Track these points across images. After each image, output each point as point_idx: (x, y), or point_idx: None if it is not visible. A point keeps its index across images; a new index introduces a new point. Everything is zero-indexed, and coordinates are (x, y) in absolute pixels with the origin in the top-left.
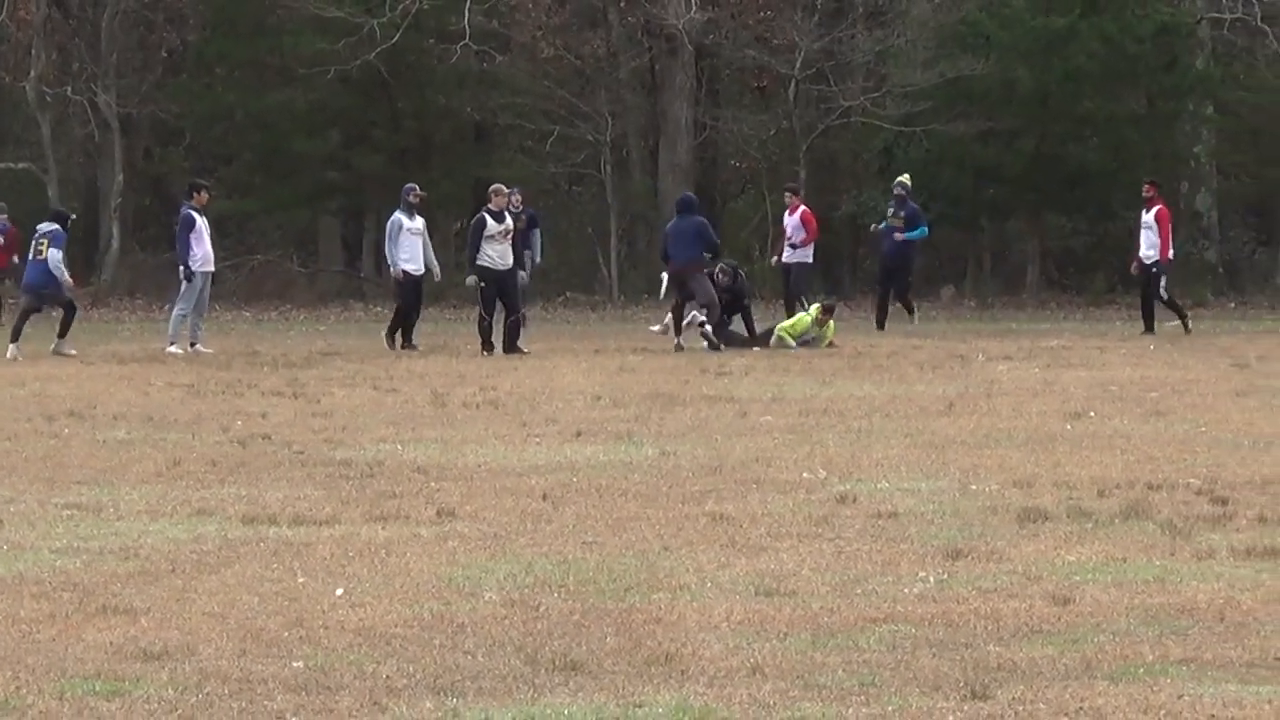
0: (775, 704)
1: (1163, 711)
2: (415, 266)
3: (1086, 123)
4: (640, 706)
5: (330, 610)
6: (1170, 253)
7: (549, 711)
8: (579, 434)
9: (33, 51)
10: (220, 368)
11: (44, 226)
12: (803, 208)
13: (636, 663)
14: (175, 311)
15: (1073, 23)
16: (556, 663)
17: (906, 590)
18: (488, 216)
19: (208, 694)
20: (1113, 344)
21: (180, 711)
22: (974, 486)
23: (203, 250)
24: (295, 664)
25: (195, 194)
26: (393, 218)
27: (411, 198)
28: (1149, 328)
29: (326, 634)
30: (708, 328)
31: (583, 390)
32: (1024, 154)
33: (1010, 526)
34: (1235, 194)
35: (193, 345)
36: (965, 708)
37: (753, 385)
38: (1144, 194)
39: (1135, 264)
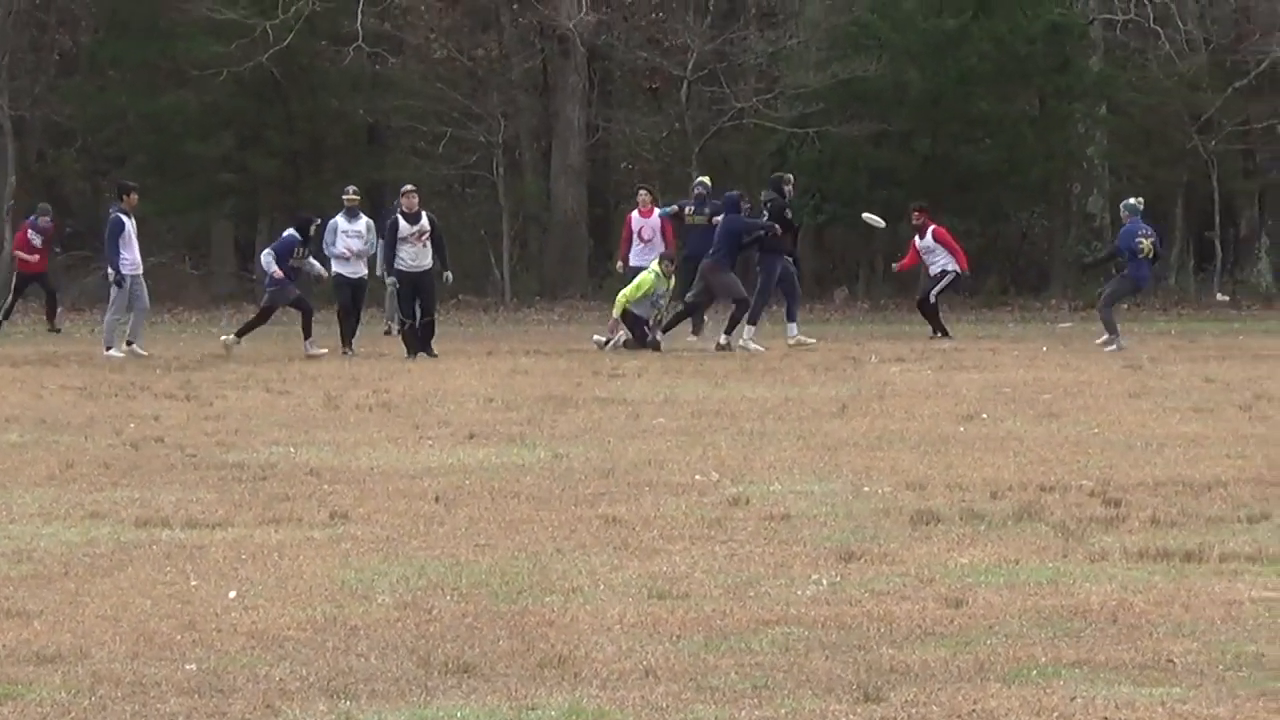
0: (668, 706)
1: (1055, 714)
2: (352, 269)
3: (979, 124)
4: (533, 709)
5: (223, 613)
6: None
7: (442, 714)
8: (472, 436)
9: None
10: (113, 370)
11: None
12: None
13: (529, 665)
14: (108, 318)
15: (964, 24)
16: (449, 665)
17: (799, 592)
18: (401, 219)
19: (101, 697)
20: (1005, 345)
21: (73, 715)
22: (867, 489)
23: (132, 254)
24: (188, 667)
25: (125, 196)
26: (331, 221)
27: (345, 200)
28: (942, 332)
29: (219, 637)
30: (722, 339)
31: (475, 392)
32: (917, 155)
33: (903, 529)
34: (1128, 195)
35: (130, 344)
36: (858, 710)
37: (645, 387)
38: (914, 221)
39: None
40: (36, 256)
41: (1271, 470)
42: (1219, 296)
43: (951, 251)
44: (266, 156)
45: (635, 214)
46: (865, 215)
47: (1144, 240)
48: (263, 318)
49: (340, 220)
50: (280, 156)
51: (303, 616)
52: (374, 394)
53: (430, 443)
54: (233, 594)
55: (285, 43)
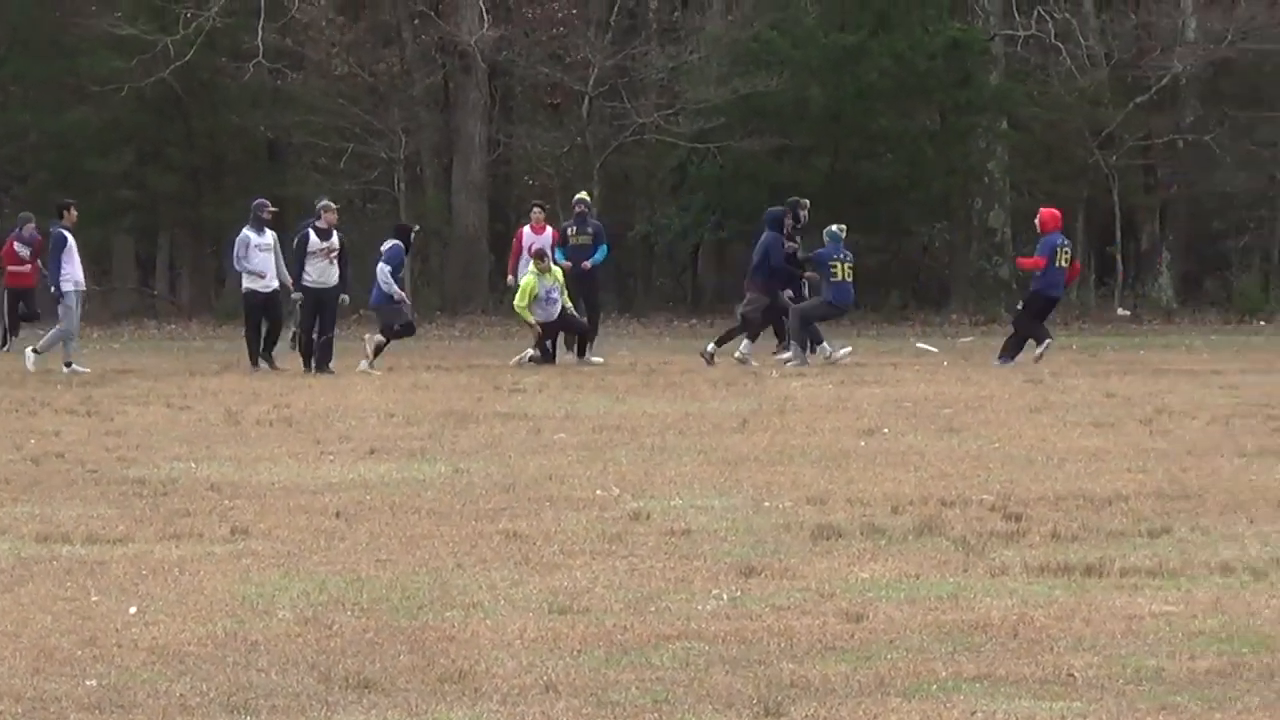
0: None
1: None
2: (265, 284)
3: (880, 139)
4: None
5: (124, 628)
6: None
7: None
8: (372, 451)
9: None
10: (13, 385)
11: (386, 244)
12: None
13: (430, 680)
14: (56, 330)
15: (863, 40)
16: (350, 681)
17: (700, 607)
18: (312, 234)
19: (0, 713)
20: (906, 360)
21: None
22: (767, 503)
23: (74, 269)
24: (89, 682)
25: (65, 213)
26: (241, 235)
27: (264, 214)
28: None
29: (120, 652)
30: (739, 352)
31: (376, 407)
32: (819, 171)
33: (804, 543)
34: (1029, 210)
35: (37, 352)
36: None
37: (546, 402)
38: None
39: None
40: (28, 267)
41: (1172, 485)
42: (1120, 311)
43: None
44: (167, 172)
45: (528, 229)
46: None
47: (837, 264)
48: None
49: (251, 234)
50: (181, 172)
51: (203, 632)
52: (275, 409)
53: (331, 458)
54: (133, 609)
55: (186, 58)
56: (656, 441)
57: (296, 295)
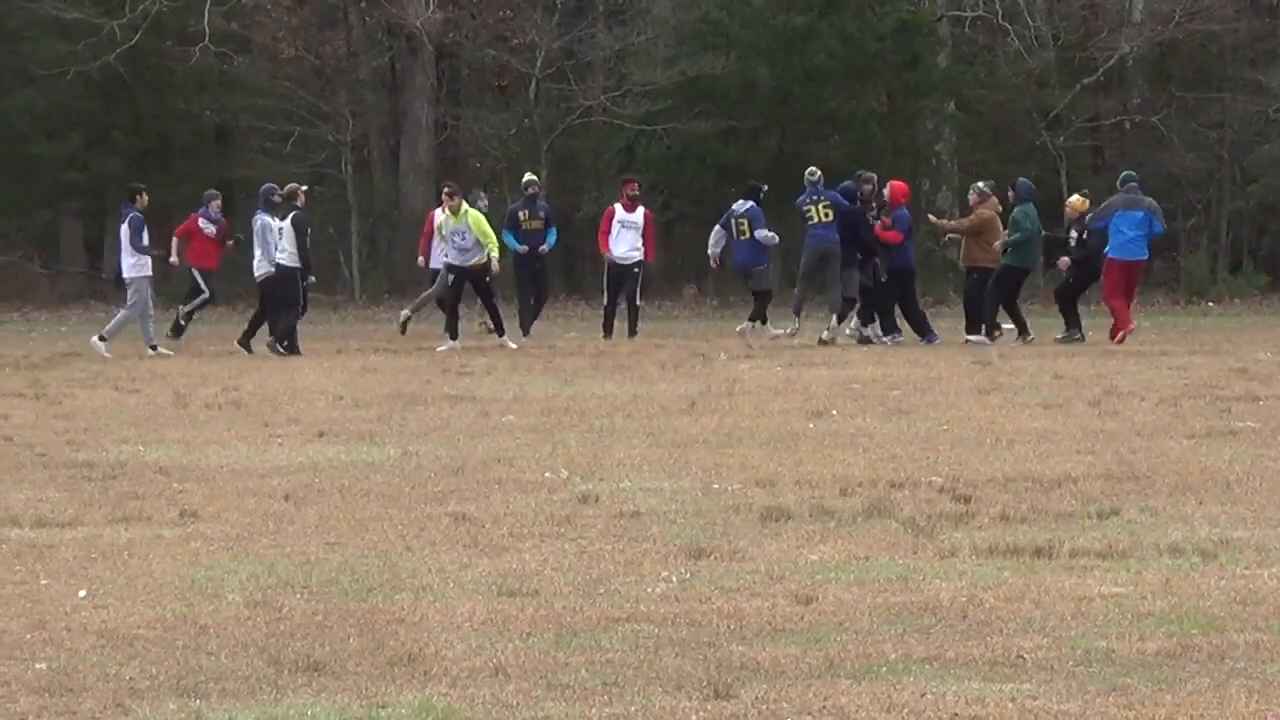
0: (518, 704)
1: (906, 710)
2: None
3: (828, 121)
4: (384, 707)
5: (73, 612)
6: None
7: (292, 712)
8: (321, 434)
9: None
10: None
11: (740, 206)
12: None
13: (379, 663)
14: (124, 313)
15: (811, 21)
16: (300, 663)
17: (649, 590)
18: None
19: None
20: (854, 342)
21: None
22: (716, 486)
23: (144, 255)
24: (38, 666)
25: (138, 196)
26: (261, 220)
27: (275, 197)
28: (631, 331)
29: (69, 636)
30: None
31: (325, 390)
32: (767, 153)
33: (753, 525)
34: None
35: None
36: (708, 707)
37: (494, 385)
38: (629, 192)
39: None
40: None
41: (1121, 466)
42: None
43: (647, 238)
44: (114, 156)
45: (439, 210)
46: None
47: (811, 207)
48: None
49: (269, 219)
50: (127, 156)
51: (153, 615)
52: (223, 392)
53: (280, 441)
54: (82, 593)
55: (132, 42)
56: (605, 424)
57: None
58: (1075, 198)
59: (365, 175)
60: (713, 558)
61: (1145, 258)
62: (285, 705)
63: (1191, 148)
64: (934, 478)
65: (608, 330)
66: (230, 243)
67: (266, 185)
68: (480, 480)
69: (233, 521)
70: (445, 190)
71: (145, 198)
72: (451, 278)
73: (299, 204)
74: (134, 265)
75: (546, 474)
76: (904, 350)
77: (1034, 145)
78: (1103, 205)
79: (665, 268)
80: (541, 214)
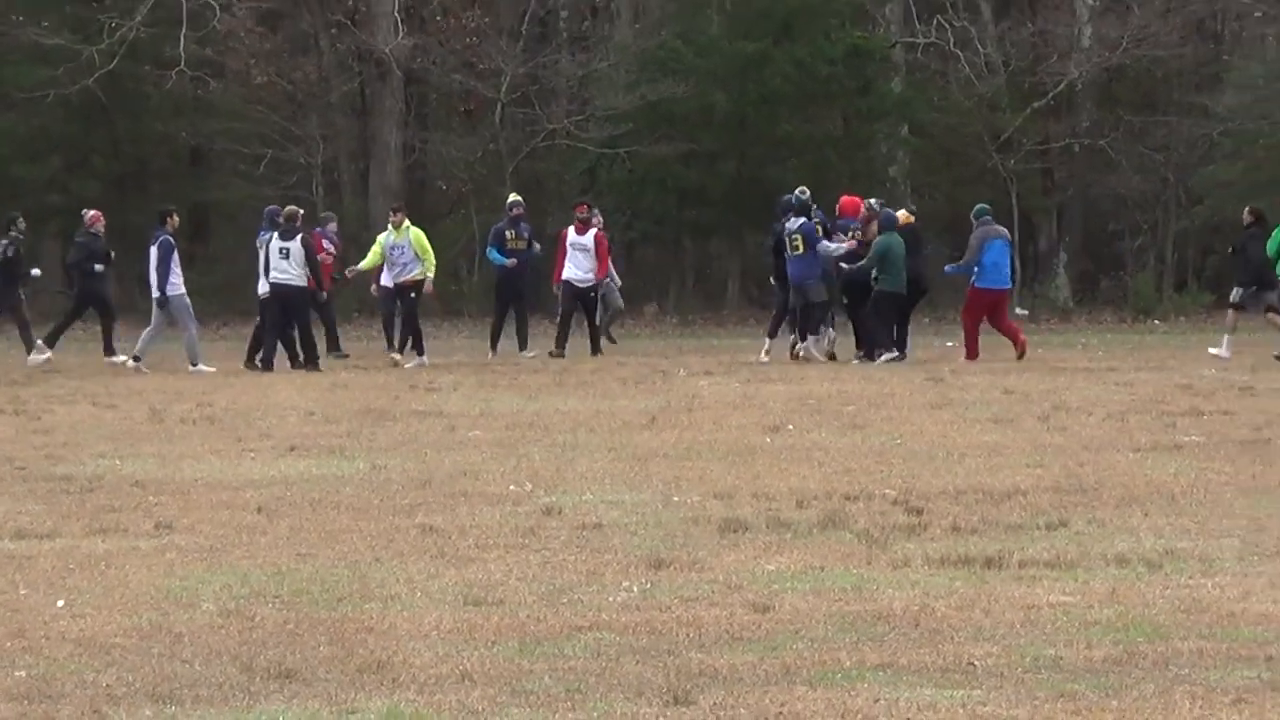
0: (484, 710)
1: (860, 715)
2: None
3: (784, 145)
4: (353, 713)
5: (51, 621)
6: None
7: (264, 718)
8: (293, 449)
9: None
10: None
11: (792, 224)
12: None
13: (349, 670)
14: (186, 336)
15: (765, 48)
16: (272, 671)
17: (611, 599)
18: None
19: None
20: (810, 360)
21: None
22: (676, 498)
23: (178, 274)
24: (18, 673)
25: (168, 219)
26: (267, 240)
27: (279, 219)
28: (593, 350)
29: (48, 644)
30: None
31: (296, 406)
32: (725, 175)
33: (711, 537)
34: (930, 213)
35: (194, 365)
36: (668, 713)
37: (461, 400)
38: (579, 215)
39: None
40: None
41: (1069, 479)
42: (1018, 310)
43: (601, 259)
44: (92, 178)
45: (385, 234)
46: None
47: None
48: None
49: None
50: (106, 178)
51: (129, 624)
52: (198, 407)
53: (252, 455)
54: (61, 602)
55: (110, 67)
56: (568, 438)
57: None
58: (903, 211)
59: (336, 197)
60: (672, 568)
61: (1010, 286)
62: (258, 711)
63: (1138, 170)
64: (887, 490)
65: (559, 347)
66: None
67: (271, 207)
68: (447, 493)
69: (206, 533)
70: (392, 208)
71: (176, 220)
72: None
73: (297, 225)
74: (172, 285)
75: (511, 487)
76: (859, 367)
77: (985, 168)
78: (972, 243)
79: (627, 287)
80: (525, 234)
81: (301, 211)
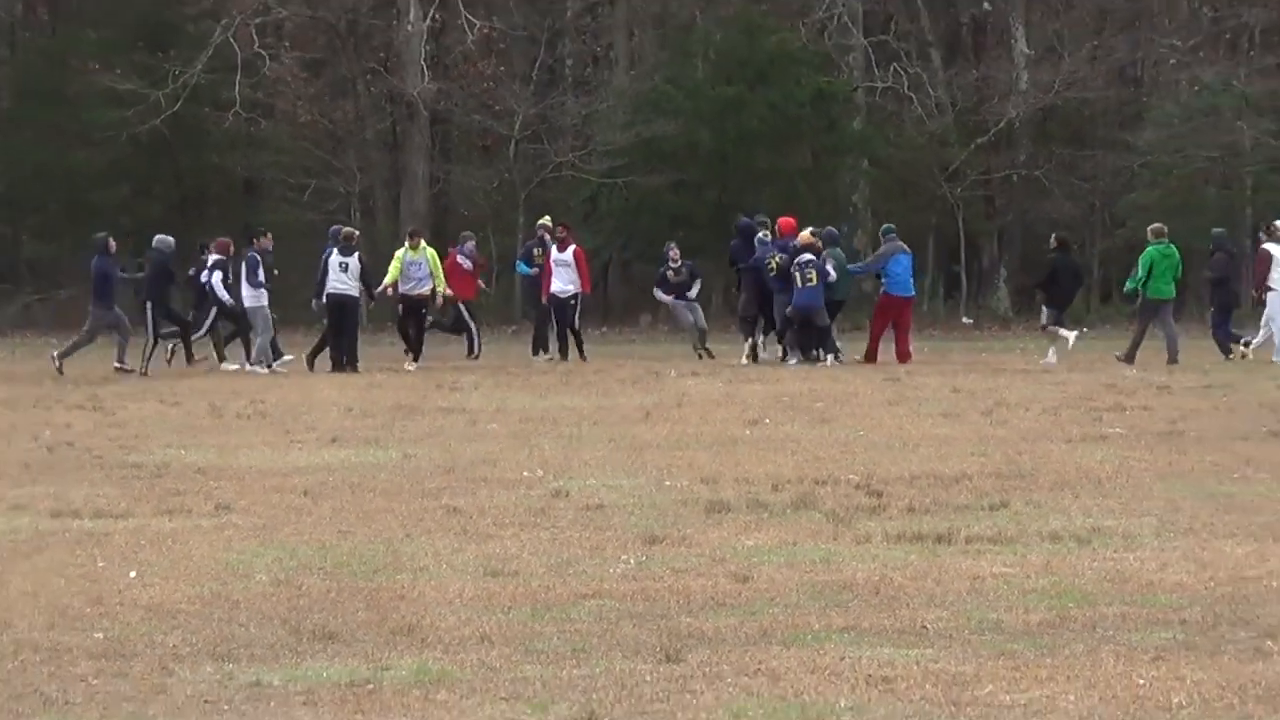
0: (501, 667)
1: (828, 671)
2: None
3: (760, 176)
4: (387, 670)
5: (125, 589)
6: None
7: (310, 674)
8: (334, 440)
9: None
10: (32, 385)
11: (803, 258)
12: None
13: (384, 632)
14: (258, 341)
15: (743, 92)
16: (316, 633)
17: (611, 570)
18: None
19: (22, 661)
20: (783, 363)
21: None
22: (668, 483)
23: (261, 285)
24: (96, 635)
25: (257, 239)
26: (333, 256)
27: (342, 238)
28: (580, 354)
29: (122, 610)
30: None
31: (337, 403)
32: (709, 202)
33: (699, 516)
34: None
35: (254, 363)
36: (661, 669)
37: (481, 398)
38: (560, 235)
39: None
40: (472, 281)
41: (1009, 466)
42: (964, 319)
43: (581, 273)
44: (157, 204)
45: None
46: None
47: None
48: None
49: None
50: (169, 204)
51: (192, 592)
52: (252, 404)
53: (299, 445)
54: (133, 574)
55: (174, 109)
56: (574, 431)
57: (318, 304)
58: (805, 233)
59: (370, 221)
60: (665, 543)
61: (914, 294)
62: (304, 668)
63: (1069, 196)
64: (851, 476)
65: (536, 348)
66: (482, 277)
67: (334, 227)
68: (469, 479)
69: (259, 513)
70: (410, 231)
71: (265, 240)
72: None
73: (354, 244)
74: (250, 297)
75: (525, 473)
76: (826, 369)
77: (936, 195)
78: (876, 254)
79: (625, 299)
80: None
81: (358, 233)
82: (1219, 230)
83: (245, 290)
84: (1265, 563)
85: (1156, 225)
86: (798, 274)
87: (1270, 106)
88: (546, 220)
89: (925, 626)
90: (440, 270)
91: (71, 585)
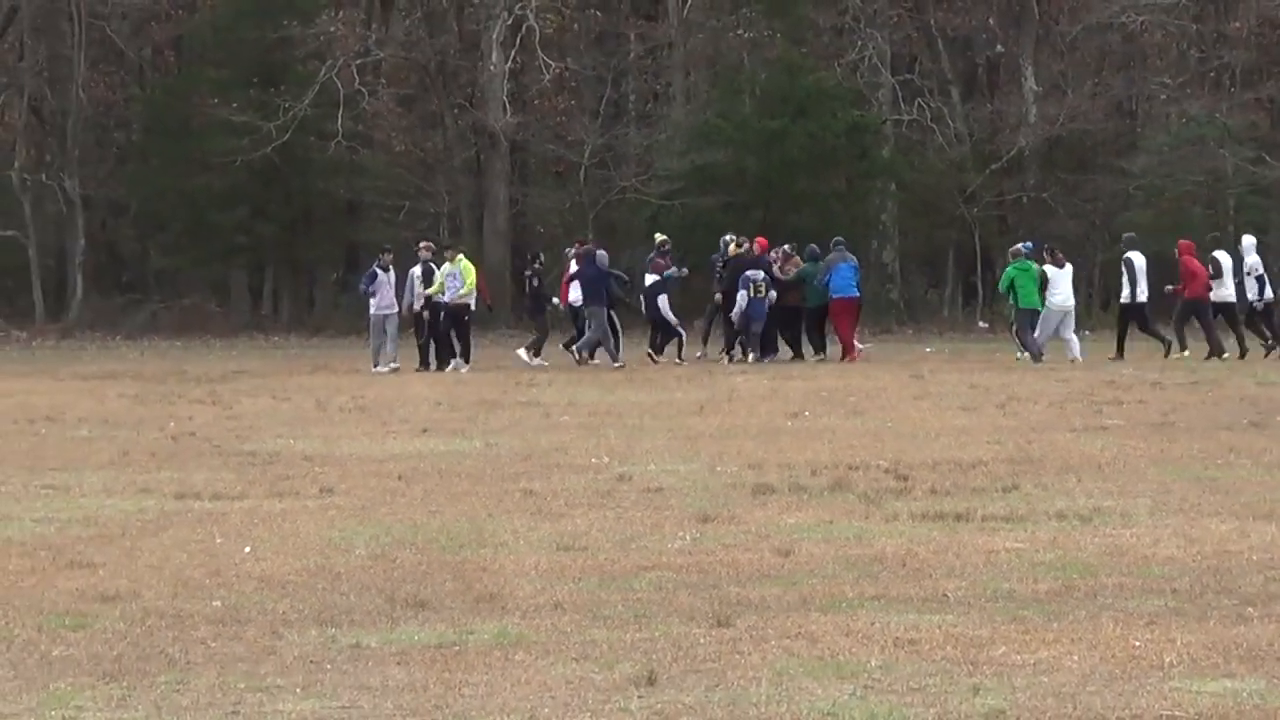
0: (571, 631)
1: (860, 634)
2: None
3: (800, 198)
4: (471, 634)
5: (240, 563)
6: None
7: (403, 637)
8: (425, 431)
9: (16, 147)
10: (158, 382)
11: (758, 275)
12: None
13: (469, 600)
14: (372, 343)
15: (785, 125)
16: (409, 601)
17: (669, 545)
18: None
19: (149, 626)
20: (826, 363)
21: (129, 640)
22: (719, 468)
23: (382, 298)
24: (214, 603)
25: (382, 255)
26: (424, 267)
27: (445, 253)
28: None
29: (237, 580)
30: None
31: (428, 398)
32: (754, 222)
33: (746, 498)
34: (912, 250)
35: (379, 366)
36: (713, 633)
37: (554, 393)
38: (577, 250)
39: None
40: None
41: (1020, 453)
42: (980, 324)
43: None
44: (269, 223)
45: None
46: None
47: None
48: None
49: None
50: (281, 223)
51: (299, 565)
52: (353, 399)
53: (394, 435)
54: (247, 549)
55: (284, 139)
56: (636, 422)
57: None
58: (732, 245)
59: (458, 238)
60: (716, 522)
61: (859, 295)
62: (398, 632)
63: (1072, 216)
64: (881, 462)
65: (572, 349)
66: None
67: (422, 243)
68: (543, 465)
69: (359, 495)
70: (445, 246)
71: (387, 256)
72: (440, 314)
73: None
74: (375, 304)
75: (593, 460)
76: (859, 366)
77: (955, 215)
78: (825, 262)
79: (684, 307)
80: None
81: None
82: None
83: (377, 298)
84: (1246, 538)
85: (1015, 248)
86: (750, 286)
87: (1250, 136)
88: (664, 237)
89: (946, 595)
90: (473, 279)
91: (193, 559)
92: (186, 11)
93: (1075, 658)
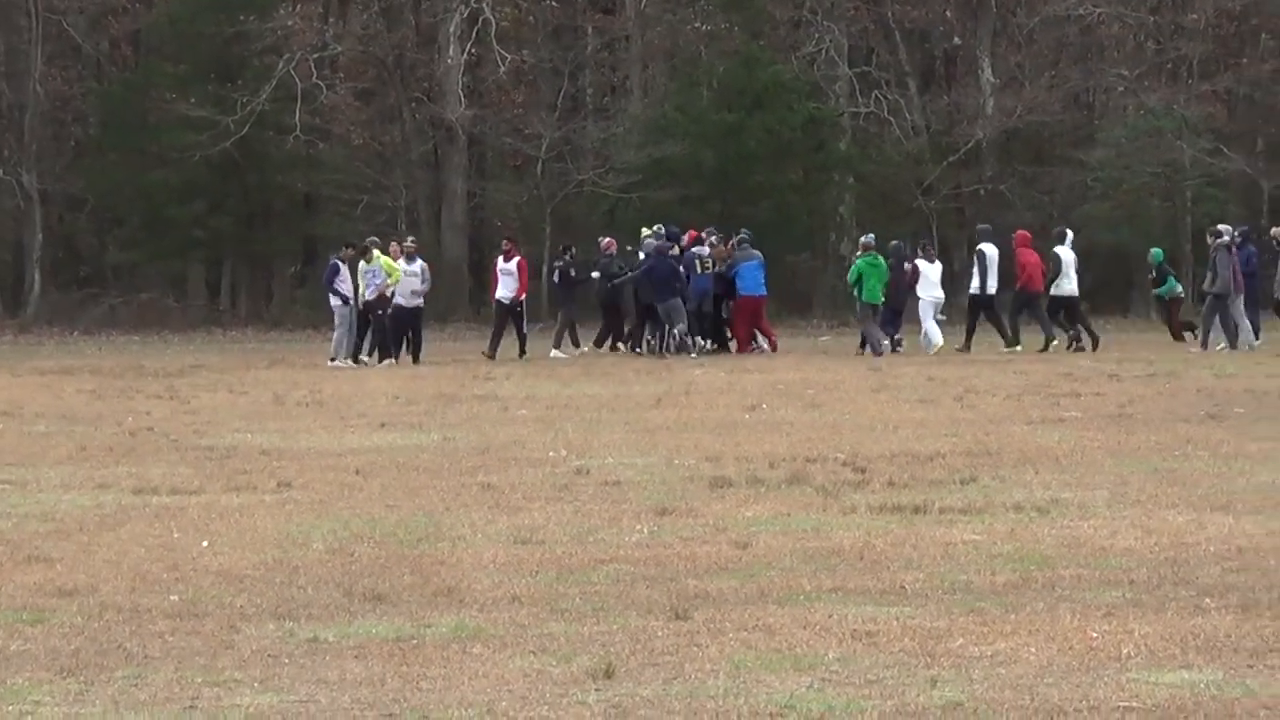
0: (529, 624)
1: (818, 626)
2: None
3: (758, 191)
4: (429, 627)
5: (198, 557)
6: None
7: (361, 631)
8: (383, 425)
9: None
10: (116, 377)
11: (704, 251)
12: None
13: (426, 594)
14: (335, 334)
15: (742, 118)
16: (366, 595)
17: (627, 539)
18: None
19: (107, 621)
20: (780, 355)
21: (86, 634)
22: (676, 461)
23: (344, 290)
24: (172, 598)
25: (345, 249)
26: (420, 266)
27: (404, 247)
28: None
29: (195, 575)
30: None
31: (385, 392)
32: (713, 215)
33: (704, 491)
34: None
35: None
36: (671, 626)
37: (512, 386)
38: (505, 248)
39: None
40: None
41: (977, 445)
42: (939, 317)
43: (521, 281)
44: (226, 217)
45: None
46: None
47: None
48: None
49: (402, 263)
50: (238, 217)
51: (257, 559)
52: (310, 394)
53: (352, 430)
54: (205, 543)
55: (242, 133)
56: (594, 416)
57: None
58: (651, 238)
59: (415, 232)
60: (674, 515)
61: (766, 293)
62: (356, 626)
63: (1030, 208)
64: (838, 454)
65: (491, 350)
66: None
67: (408, 240)
68: (501, 458)
69: (317, 490)
70: (404, 244)
71: (345, 250)
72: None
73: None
74: (332, 297)
75: (550, 453)
76: (816, 359)
77: (912, 207)
78: (731, 260)
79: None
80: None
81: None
82: (1244, 227)
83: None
84: (1203, 530)
85: (865, 239)
86: (697, 263)
87: (1207, 128)
88: (660, 228)
89: (903, 587)
90: (397, 272)
91: (150, 554)
92: (144, 6)
93: (1033, 649)
